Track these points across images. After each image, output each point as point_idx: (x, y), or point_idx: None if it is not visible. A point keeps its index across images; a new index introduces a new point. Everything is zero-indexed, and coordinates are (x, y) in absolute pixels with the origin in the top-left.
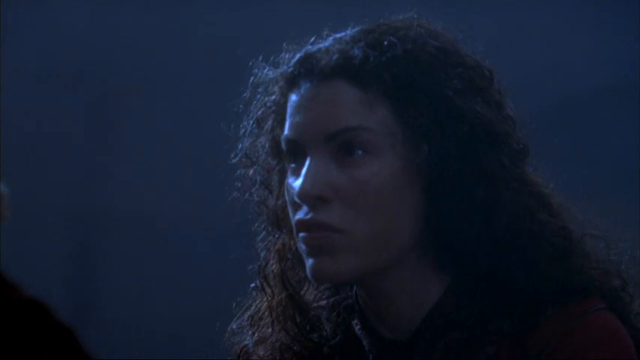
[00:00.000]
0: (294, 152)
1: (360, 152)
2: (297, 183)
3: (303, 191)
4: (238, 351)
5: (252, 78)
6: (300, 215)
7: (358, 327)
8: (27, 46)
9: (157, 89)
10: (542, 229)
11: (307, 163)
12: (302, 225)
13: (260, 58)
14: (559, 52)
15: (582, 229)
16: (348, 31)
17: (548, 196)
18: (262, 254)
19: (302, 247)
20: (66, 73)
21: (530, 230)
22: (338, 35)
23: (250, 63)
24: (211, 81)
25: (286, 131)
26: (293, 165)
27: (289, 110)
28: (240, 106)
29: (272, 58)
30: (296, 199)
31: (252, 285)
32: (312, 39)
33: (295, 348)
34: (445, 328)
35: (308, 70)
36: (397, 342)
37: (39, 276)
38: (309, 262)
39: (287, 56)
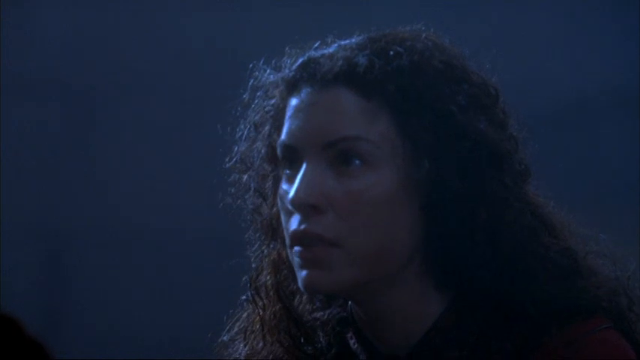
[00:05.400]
0: (290, 158)
1: (357, 163)
2: (291, 190)
3: (297, 198)
4: None
5: (251, 81)
6: (293, 226)
7: (353, 341)
8: (9, 51)
9: (140, 95)
10: (546, 250)
11: (303, 169)
12: (295, 238)
13: (261, 61)
14: (557, 55)
15: (585, 247)
16: (354, 39)
17: (551, 216)
18: (254, 265)
19: (295, 259)
20: (43, 79)
21: (534, 252)
22: (343, 42)
23: (251, 65)
24: (202, 87)
25: (283, 136)
26: (288, 171)
27: (288, 114)
28: (238, 109)
29: (274, 62)
30: (289, 207)
31: (243, 297)
32: (316, 44)
33: None
34: (445, 346)
35: (310, 75)
36: (394, 357)
37: (8, 289)
38: (301, 274)
39: (288, 61)
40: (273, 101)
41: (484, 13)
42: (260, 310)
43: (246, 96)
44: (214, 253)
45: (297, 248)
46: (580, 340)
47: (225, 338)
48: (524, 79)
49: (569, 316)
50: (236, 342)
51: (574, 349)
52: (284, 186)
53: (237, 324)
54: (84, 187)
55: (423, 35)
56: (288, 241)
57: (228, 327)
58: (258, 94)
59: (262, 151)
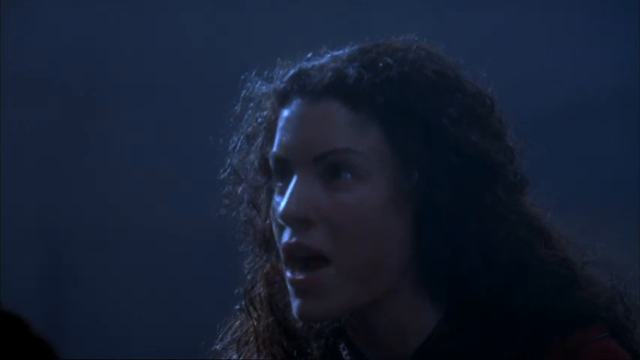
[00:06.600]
0: (281, 171)
1: (348, 176)
2: (281, 203)
3: (287, 211)
4: None
5: (243, 91)
6: (285, 239)
7: (345, 352)
8: (9, 51)
9: (140, 94)
10: (543, 263)
11: (293, 182)
12: (288, 250)
13: (253, 73)
14: (557, 55)
15: (583, 257)
16: (346, 49)
17: (548, 227)
18: (249, 277)
19: (289, 286)
20: (43, 79)
21: (530, 264)
22: (335, 53)
23: (243, 76)
24: (202, 87)
25: (275, 148)
26: (280, 184)
27: (279, 126)
28: (231, 119)
29: (266, 73)
30: (280, 220)
31: (237, 307)
32: (309, 55)
33: None
34: (441, 357)
35: (300, 87)
36: None
37: (8, 289)
38: (295, 302)
39: (280, 72)
40: (265, 113)
41: (484, 13)
42: (254, 322)
43: (238, 107)
44: (215, 253)
45: (288, 274)
46: (579, 348)
47: (218, 347)
48: (524, 79)
49: (568, 325)
50: (229, 351)
51: (573, 358)
52: (276, 198)
53: (230, 332)
54: (84, 187)
55: (416, 45)
56: (282, 256)
57: (220, 335)
58: (251, 105)
59: (255, 162)
